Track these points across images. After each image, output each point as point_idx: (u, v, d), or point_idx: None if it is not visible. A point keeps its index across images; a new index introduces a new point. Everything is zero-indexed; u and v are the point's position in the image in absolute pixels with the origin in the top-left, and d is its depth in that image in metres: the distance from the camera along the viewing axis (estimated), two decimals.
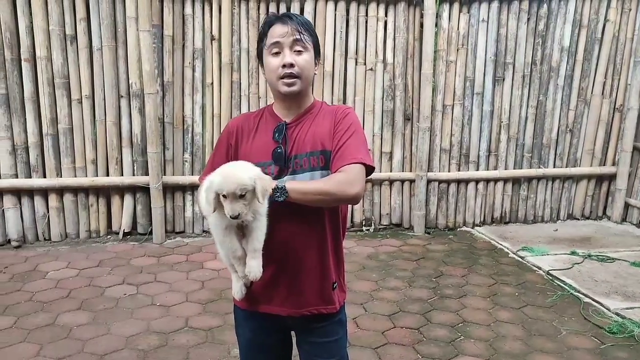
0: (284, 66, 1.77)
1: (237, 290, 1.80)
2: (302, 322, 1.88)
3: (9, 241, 4.93)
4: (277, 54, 1.78)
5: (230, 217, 1.57)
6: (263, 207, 1.64)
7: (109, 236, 5.19)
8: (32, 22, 4.71)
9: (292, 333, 2.01)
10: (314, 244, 1.83)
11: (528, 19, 5.60)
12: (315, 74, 1.88)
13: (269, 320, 1.89)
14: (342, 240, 1.98)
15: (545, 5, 5.57)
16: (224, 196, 1.57)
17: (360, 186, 1.72)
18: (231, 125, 1.93)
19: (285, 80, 1.78)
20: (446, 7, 5.39)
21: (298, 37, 1.77)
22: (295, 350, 2.04)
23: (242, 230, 1.67)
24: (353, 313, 3.78)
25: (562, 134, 5.94)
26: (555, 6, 5.59)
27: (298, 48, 1.78)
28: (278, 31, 1.78)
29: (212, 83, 5.19)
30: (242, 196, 1.56)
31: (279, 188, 1.64)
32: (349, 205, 1.94)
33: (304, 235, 1.82)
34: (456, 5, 5.41)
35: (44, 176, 4.92)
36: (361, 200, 5.60)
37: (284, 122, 1.84)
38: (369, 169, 1.79)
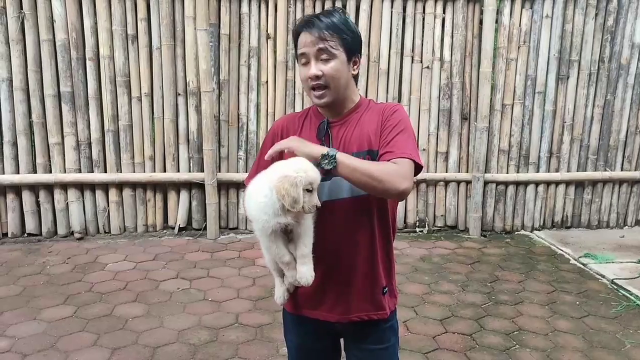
0: (310, 78, 1.71)
1: (280, 295, 1.79)
2: (352, 328, 1.84)
3: (72, 233, 5.14)
4: (306, 64, 1.72)
5: (316, 208, 1.56)
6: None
7: (165, 230, 5.32)
8: (96, 23, 4.89)
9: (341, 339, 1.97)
10: (363, 248, 1.78)
11: (596, 14, 5.33)
12: (354, 74, 1.79)
13: (317, 325, 1.85)
14: (393, 243, 1.91)
15: (614, 0, 5.28)
16: (310, 191, 1.55)
17: (410, 182, 1.63)
18: (276, 126, 1.90)
19: (315, 93, 1.73)
20: (507, 3, 5.20)
21: (322, 45, 1.68)
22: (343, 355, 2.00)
23: (287, 235, 1.64)
24: (404, 316, 3.71)
25: (631, 135, 5.63)
26: (625, 0, 5.29)
27: (324, 57, 1.69)
28: (303, 40, 1.71)
29: (267, 81, 5.22)
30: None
31: (328, 155, 1.57)
32: (398, 205, 1.85)
33: (353, 239, 1.76)
34: (518, 1, 5.21)
35: (105, 171, 5.11)
36: (415, 201, 5.50)
37: (326, 119, 1.80)
38: (417, 169, 1.69)
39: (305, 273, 1.61)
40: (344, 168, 1.58)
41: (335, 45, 1.69)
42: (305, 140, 1.66)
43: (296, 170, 1.54)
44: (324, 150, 1.59)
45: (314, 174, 1.56)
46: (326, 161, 1.57)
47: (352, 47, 1.74)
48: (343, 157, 1.59)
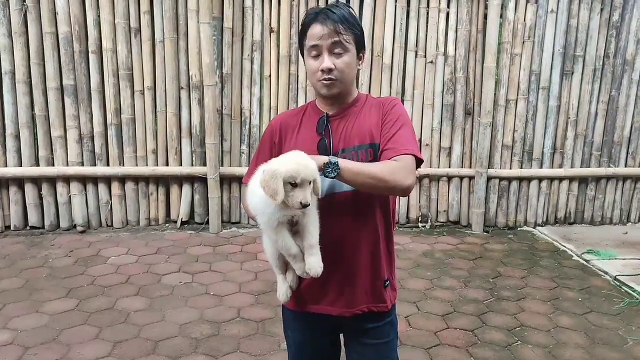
0: (322, 71, 1.71)
1: (283, 292, 1.77)
2: (353, 322, 1.84)
3: (74, 226, 5.15)
4: (316, 56, 1.72)
5: (302, 205, 1.50)
6: (313, 200, 1.58)
7: (167, 224, 5.32)
8: (99, 16, 4.87)
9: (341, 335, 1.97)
10: (365, 240, 1.78)
11: (601, 10, 5.30)
12: (359, 68, 1.81)
13: (318, 321, 1.85)
14: (393, 235, 1.91)
15: None
16: (294, 184, 1.50)
17: (413, 178, 1.66)
18: (274, 123, 1.90)
19: (325, 83, 1.73)
20: None
21: (337, 39, 1.69)
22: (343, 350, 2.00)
23: (292, 226, 1.63)
24: (405, 311, 3.71)
25: (635, 131, 5.61)
26: None
27: (337, 50, 1.70)
28: (316, 32, 1.70)
29: (270, 75, 5.21)
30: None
31: (331, 163, 1.57)
32: (400, 200, 1.87)
33: (356, 232, 1.77)
34: None
35: (107, 164, 5.10)
36: (418, 196, 5.49)
37: (326, 114, 1.80)
38: (418, 162, 1.72)
39: (314, 264, 1.59)
40: (347, 173, 1.59)
41: (349, 40, 1.72)
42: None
43: (281, 163, 1.52)
44: (324, 159, 1.58)
45: (296, 166, 1.50)
46: (329, 169, 1.57)
47: (361, 42, 1.78)
48: (345, 163, 1.60)
